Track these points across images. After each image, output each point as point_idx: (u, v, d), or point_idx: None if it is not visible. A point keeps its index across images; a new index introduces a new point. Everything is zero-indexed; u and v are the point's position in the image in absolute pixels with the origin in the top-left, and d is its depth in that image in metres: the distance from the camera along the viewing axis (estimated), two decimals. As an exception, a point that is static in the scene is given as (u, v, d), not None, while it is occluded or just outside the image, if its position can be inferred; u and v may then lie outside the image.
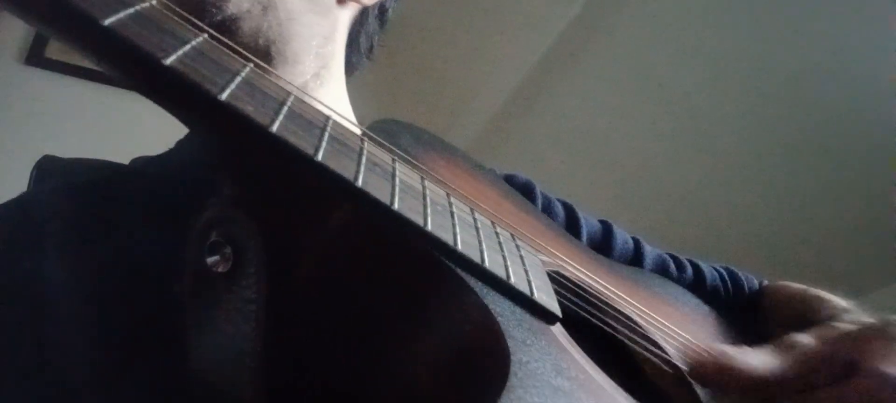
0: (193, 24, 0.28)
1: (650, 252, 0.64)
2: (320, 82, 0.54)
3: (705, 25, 1.89)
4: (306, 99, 0.31)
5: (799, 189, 2.07)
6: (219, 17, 0.47)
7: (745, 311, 0.62)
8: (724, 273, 0.66)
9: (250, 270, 0.29)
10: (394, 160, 0.34)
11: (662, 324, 0.45)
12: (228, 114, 0.26)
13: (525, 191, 0.59)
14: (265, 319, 0.30)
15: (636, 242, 0.64)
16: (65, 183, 0.49)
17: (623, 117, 2.14)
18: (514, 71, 2.14)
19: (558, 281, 0.39)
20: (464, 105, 2.21)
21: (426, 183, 0.34)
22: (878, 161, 1.88)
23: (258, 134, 0.26)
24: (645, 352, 0.40)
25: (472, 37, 2.08)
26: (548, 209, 0.60)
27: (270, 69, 0.32)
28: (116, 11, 0.24)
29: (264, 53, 0.50)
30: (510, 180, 0.59)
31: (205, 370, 0.32)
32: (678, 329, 0.46)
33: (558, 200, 0.62)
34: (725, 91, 1.98)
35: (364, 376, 0.30)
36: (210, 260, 0.30)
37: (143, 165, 0.55)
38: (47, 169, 0.51)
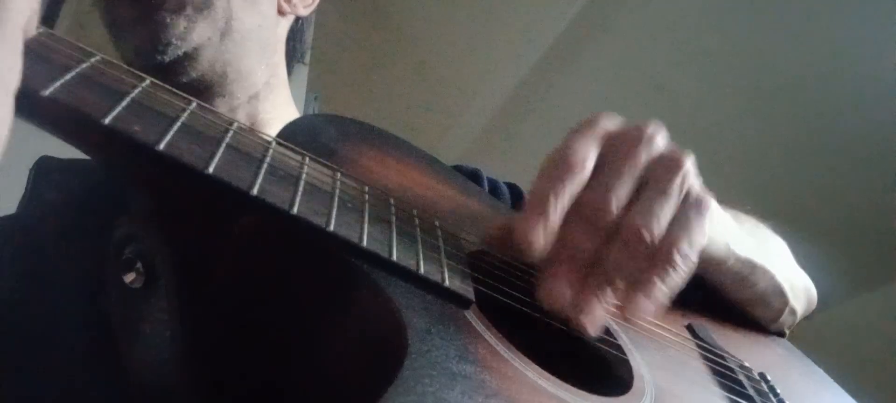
0: (85, 51, 0.29)
1: None
2: (270, 89, 0.60)
3: (705, 26, 1.86)
4: (207, 112, 0.32)
5: (798, 188, 2.03)
6: (183, 50, 0.50)
7: None
8: None
9: (161, 282, 0.31)
10: (304, 161, 0.35)
11: None
12: (114, 137, 0.27)
13: (472, 178, 0.60)
14: (183, 326, 0.31)
15: None
16: (64, 193, 0.51)
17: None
18: (514, 71, 2.14)
19: (485, 262, 0.40)
20: (464, 105, 2.21)
21: (339, 180, 0.35)
22: (878, 161, 1.85)
23: (146, 153, 0.27)
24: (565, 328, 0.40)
25: (472, 37, 2.09)
26: (494, 191, 0.61)
27: (165, 85, 0.33)
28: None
29: (221, 74, 0.54)
30: (459, 170, 0.61)
31: (141, 379, 0.34)
32: None
33: (505, 182, 0.63)
34: (725, 91, 1.95)
35: (283, 370, 0.32)
36: (126, 277, 0.31)
37: None
38: (45, 169, 0.53)
